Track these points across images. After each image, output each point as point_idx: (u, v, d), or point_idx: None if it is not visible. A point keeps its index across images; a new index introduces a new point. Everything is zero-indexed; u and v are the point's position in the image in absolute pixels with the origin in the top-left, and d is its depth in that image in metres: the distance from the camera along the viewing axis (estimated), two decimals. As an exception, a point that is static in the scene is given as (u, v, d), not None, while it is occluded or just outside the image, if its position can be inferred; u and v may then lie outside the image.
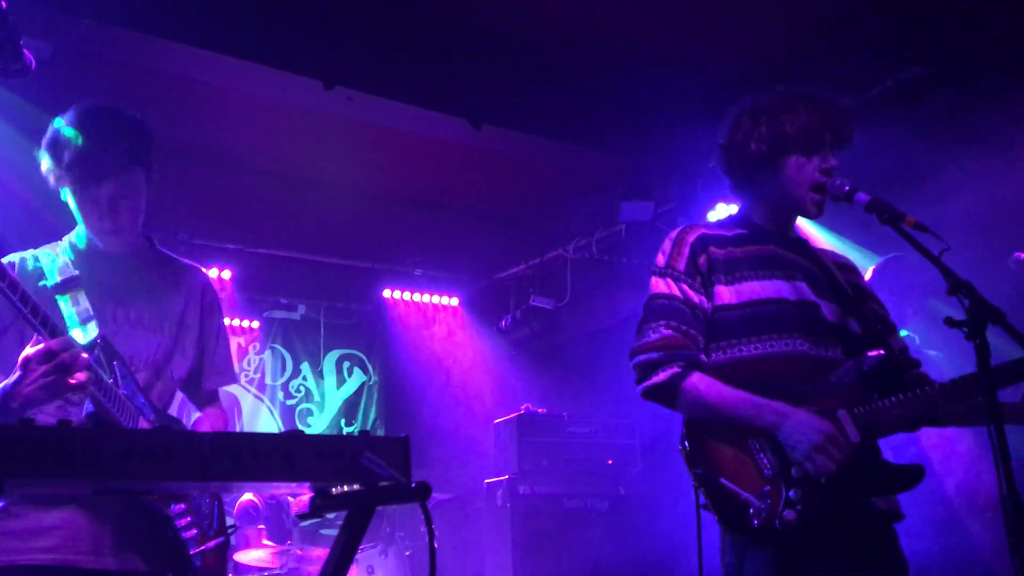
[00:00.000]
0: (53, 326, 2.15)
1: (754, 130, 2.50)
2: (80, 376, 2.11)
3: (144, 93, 5.10)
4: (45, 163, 2.45)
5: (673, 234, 2.55)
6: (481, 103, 5.32)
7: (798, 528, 2.15)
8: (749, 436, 2.29)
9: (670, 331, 2.38)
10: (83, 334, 2.38)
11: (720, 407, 2.30)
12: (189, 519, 2.45)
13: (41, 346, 2.09)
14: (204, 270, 2.88)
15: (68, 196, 2.50)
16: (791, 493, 2.19)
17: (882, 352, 2.36)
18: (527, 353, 8.26)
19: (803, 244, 2.61)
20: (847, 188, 2.38)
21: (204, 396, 2.79)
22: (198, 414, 2.82)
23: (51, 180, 2.47)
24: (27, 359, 2.10)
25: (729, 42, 4.99)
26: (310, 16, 4.75)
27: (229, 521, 2.88)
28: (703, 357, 2.40)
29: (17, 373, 2.12)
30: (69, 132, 2.40)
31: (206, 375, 2.76)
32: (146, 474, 1.27)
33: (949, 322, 2.02)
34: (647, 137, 5.75)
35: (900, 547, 2.37)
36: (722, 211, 5.94)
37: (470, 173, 6.48)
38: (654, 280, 2.49)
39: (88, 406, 2.24)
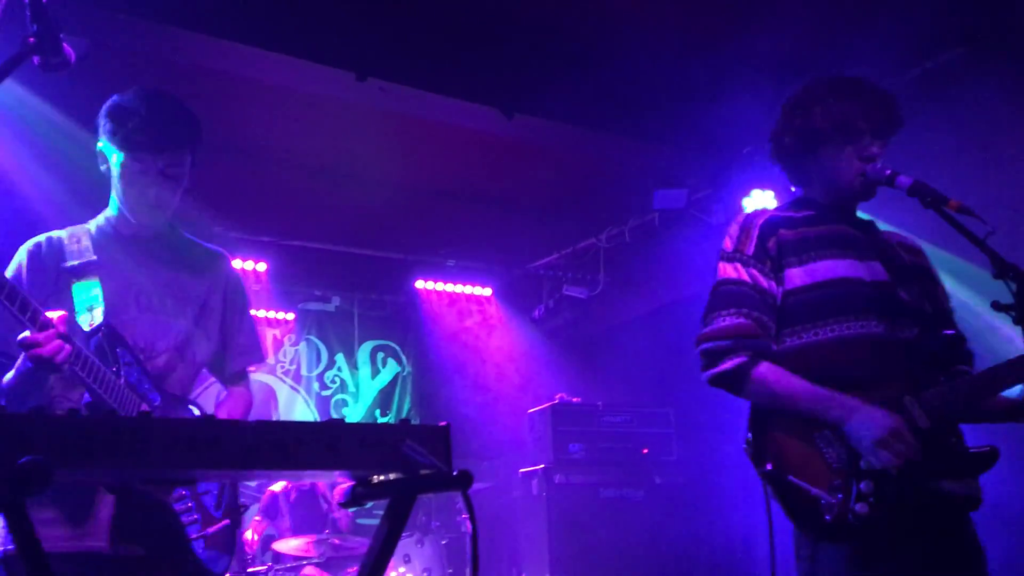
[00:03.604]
0: (33, 313, 2.20)
1: (788, 124, 2.51)
2: (59, 357, 2.19)
3: (177, 87, 5.11)
4: (105, 127, 2.51)
5: (740, 218, 2.51)
6: (513, 92, 5.30)
7: (872, 521, 2.11)
8: (815, 429, 2.24)
9: (740, 319, 2.34)
10: (89, 320, 2.43)
11: (787, 398, 2.26)
12: (191, 504, 2.47)
13: (27, 333, 2.19)
14: (227, 254, 2.92)
15: (116, 167, 2.54)
16: (862, 486, 2.14)
17: (953, 332, 2.34)
18: (560, 343, 8.24)
19: (871, 225, 2.57)
20: (888, 172, 2.34)
21: (230, 376, 2.84)
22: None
23: (107, 144, 2.53)
24: (19, 343, 2.21)
25: (763, 27, 4.92)
26: (342, 8, 4.76)
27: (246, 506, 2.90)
28: (773, 345, 2.36)
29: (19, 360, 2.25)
30: (134, 103, 2.50)
31: (230, 356, 2.80)
32: (191, 463, 1.28)
33: (996, 306, 1.98)
34: (680, 124, 5.69)
35: (976, 537, 2.32)
36: (757, 197, 5.88)
37: (502, 163, 6.47)
38: (722, 265, 2.45)
39: (86, 396, 2.31)
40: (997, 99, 4.66)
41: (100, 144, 2.56)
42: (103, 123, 2.52)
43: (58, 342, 2.17)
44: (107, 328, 2.41)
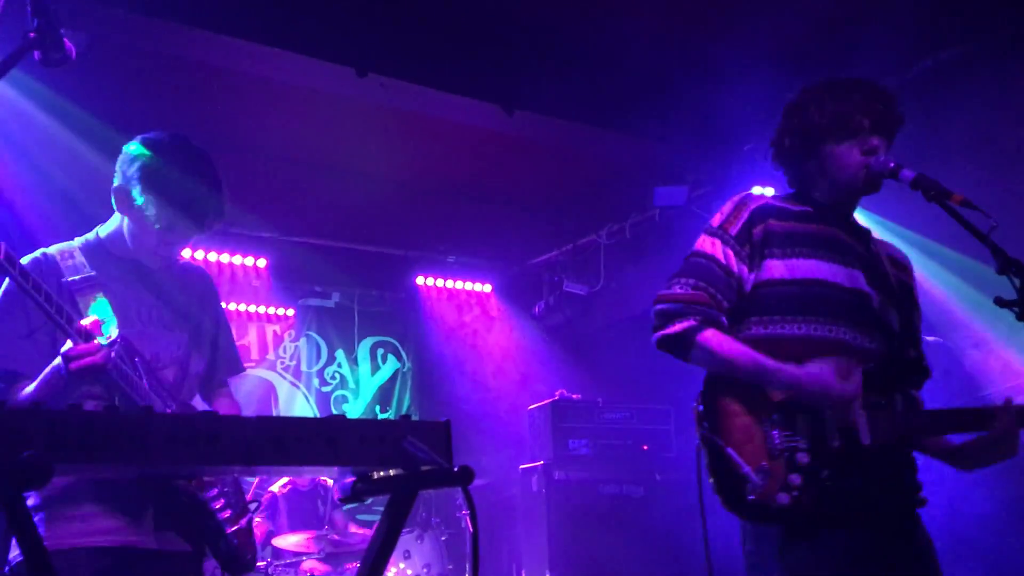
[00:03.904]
0: (83, 331, 2.24)
1: (787, 126, 2.52)
2: (113, 364, 2.25)
3: (177, 82, 5.14)
4: (139, 176, 2.47)
5: (736, 197, 2.51)
6: (514, 89, 5.29)
7: (791, 513, 2.14)
8: (768, 412, 2.27)
9: (697, 290, 2.38)
10: (104, 333, 2.43)
11: (731, 363, 2.29)
12: (223, 502, 2.55)
13: (70, 344, 2.21)
14: (204, 269, 3.04)
15: (137, 211, 2.51)
16: (791, 477, 2.17)
17: (916, 356, 2.39)
18: (561, 339, 8.23)
19: (865, 233, 2.58)
20: (891, 165, 2.34)
21: (216, 385, 2.89)
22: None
23: (136, 188, 2.48)
24: (65, 356, 2.22)
25: (764, 25, 4.91)
26: (342, 3, 4.75)
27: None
28: (723, 319, 2.39)
29: (59, 360, 2.24)
30: (180, 178, 2.49)
31: (217, 367, 2.87)
32: (192, 458, 1.28)
33: (999, 302, 1.98)
34: (681, 121, 5.68)
35: (925, 532, 2.34)
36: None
37: (503, 159, 6.46)
38: (702, 237, 2.47)
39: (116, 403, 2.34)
40: (999, 96, 4.66)
41: (124, 185, 2.51)
42: (138, 171, 2.47)
43: (105, 349, 2.22)
44: (123, 340, 2.43)
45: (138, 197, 2.48)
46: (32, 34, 1.96)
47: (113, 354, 2.24)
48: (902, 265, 2.61)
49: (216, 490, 2.53)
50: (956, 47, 4.85)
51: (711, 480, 2.26)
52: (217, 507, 2.52)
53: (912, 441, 2.37)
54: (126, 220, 2.56)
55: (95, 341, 2.23)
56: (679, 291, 2.39)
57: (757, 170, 5.87)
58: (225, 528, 2.52)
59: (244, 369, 3.05)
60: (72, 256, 2.56)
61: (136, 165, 2.48)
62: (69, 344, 2.21)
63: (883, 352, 2.35)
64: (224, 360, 2.89)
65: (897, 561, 2.24)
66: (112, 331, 2.43)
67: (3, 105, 4.80)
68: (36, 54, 1.98)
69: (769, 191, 5.82)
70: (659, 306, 2.42)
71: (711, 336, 2.32)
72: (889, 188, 2.43)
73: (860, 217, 2.62)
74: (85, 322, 2.25)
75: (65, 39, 1.99)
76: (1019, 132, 4.57)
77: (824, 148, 2.44)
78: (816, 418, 2.24)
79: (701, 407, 2.34)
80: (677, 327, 2.35)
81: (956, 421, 2.34)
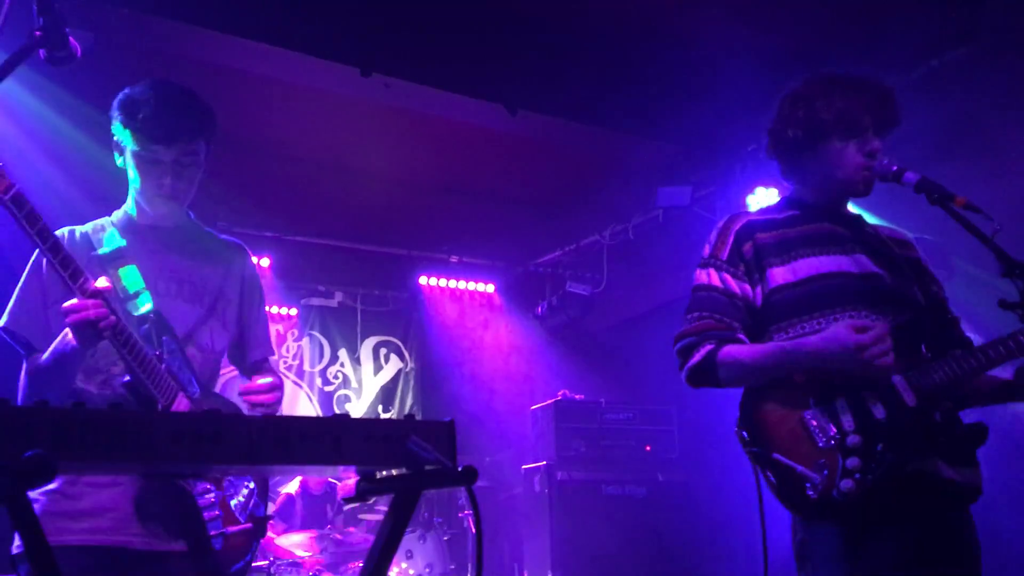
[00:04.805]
0: (83, 282, 2.20)
1: (791, 116, 2.49)
2: (104, 323, 2.19)
3: (182, 82, 5.13)
4: (117, 119, 2.51)
5: (720, 224, 2.54)
6: (517, 89, 5.29)
7: (858, 497, 2.10)
8: (803, 408, 2.25)
9: (707, 320, 2.40)
10: (137, 307, 2.44)
11: (758, 364, 2.28)
12: (214, 500, 2.47)
13: (75, 300, 2.18)
14: (246, 247, 2.94)
15: (130, 158, 2.53)
16: (848, 462, 2.13)
17: (950, 317, 2.35)
18: (563, 339, 8.23)
19: (858, 220, 2.56)
20: (895, 168, 2.34)
21: (251, 366, 2.86)
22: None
23: (121, 138, 2.52)
24: (63, 310, 2.20)
25: (768, 24, 4.91)
26: (346, 3, 4.75)
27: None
28: (741, 336, 2.38)
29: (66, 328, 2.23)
30: (146, 94, 2.49)
31: (249, 347, 2.83)
32: (195, 457, 1.28)
33: (1004, 304, 1.97)
34: (684, 121, 5.68)
35: (974, 531, 2.29)
36: (761, 194, 5.87)
37: (506, 159, 6.46)
38: (698, 271, 2.50)
39: (125, 376, 2.29)
40: (1000, 97, 4.65)
41: (115, 136, 2.55)
42: (116, 115, 2.51)
43: (104, 309, 2.18)
44: (156, 315, 2.43)
45: (119, 134, 2.51)
46: (37, 32, 1.96)
47: (113, 318, 2.19)
48: (905, 243, 2.59)
49: (211, 486, 2.46)
50: (955, 51, 4.84)
51: (774, 491, 2.22)
52: (205, 503, 2.43)
53: (962, 395, 2.29)
54: (134, 177, 2.56)
55: (97, 299, 2.18)
56: (690, 327, 2.43)
57: (759, 171, 5.86)
58: (209, 528, 2.43)
59: (273, 352, 2.95)
60: (104, 229, 2.57)
61: (114, 107, 2.52)
62: (73, 300, 2.18)
63: (911, 323, 2.32)
64: (256, 341, 2.83)
65: (948, 554, 2.20)
66: (143, 303, 2.43)
67: (9, 102, 4.82)
68: (41, 52, 1.99)
69: (773, 192, 5.82)
70: (677, 345, 2.45)
71: (730, 350, 2.33)
72: (892, 191, 2.42)
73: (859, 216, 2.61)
74: (98, 283, 2.21)
75: (70, 37, 2.00)
76: (1017, 135, 4.56)
77: (826, 145, 2.42)
78: (855, 396, 2.21)
79: (744, 432, 2.31)
80: (697, 356, 2.37)
81: (1004, 350, 2.18)
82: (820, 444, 2.19)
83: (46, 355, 2.32)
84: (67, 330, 2.23)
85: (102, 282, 2.23)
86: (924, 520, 2.19)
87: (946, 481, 2.21)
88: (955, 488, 2.23)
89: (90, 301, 2.17)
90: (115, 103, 2.52)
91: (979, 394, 2.37)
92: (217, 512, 2.47)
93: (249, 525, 2.58)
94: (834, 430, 2.20)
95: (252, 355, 2.84)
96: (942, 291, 2.53)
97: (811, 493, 2.14)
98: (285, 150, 6.22)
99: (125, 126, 2.49)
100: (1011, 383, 2.33)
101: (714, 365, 2.34)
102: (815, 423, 2.22)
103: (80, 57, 2.02)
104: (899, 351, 2.21)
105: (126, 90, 2.53)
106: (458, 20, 4.96)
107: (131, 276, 2.48)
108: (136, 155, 2.52)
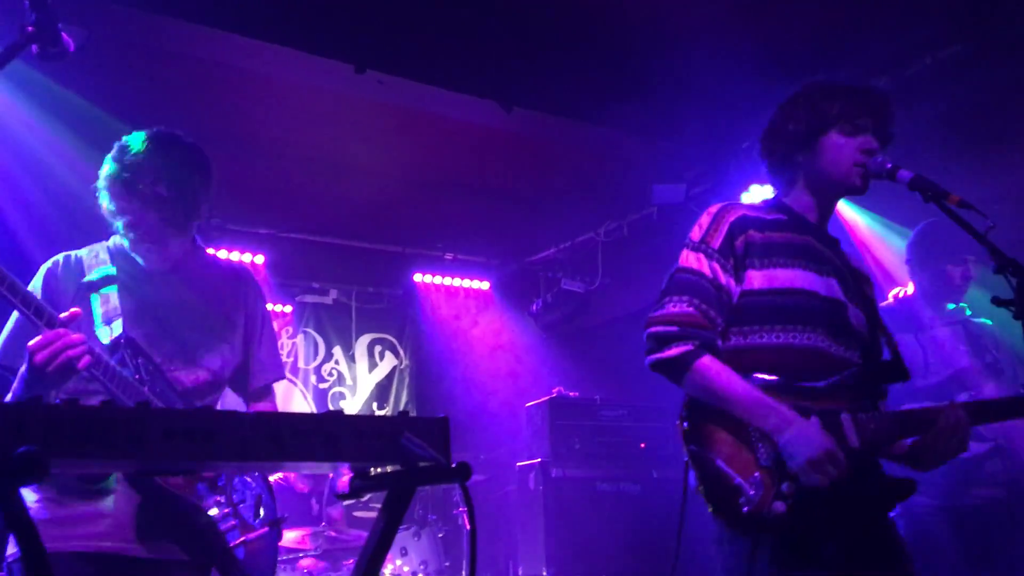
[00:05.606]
0: (48, 316, 2.17)
1: (793, 112, 2.51)
2: (83, 361, 2.16)
3: (174, 78, 5.13)
4: (108, 178, 2.50)
5: (713, 209, 2.49)
6: (511, 85, 5.28)
7: (786, 521, 2.12)
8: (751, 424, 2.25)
9: (692, 308, 2.33)
10: (108, 333, 2.41)
11: (726, 396, 2.24)
12: (228, 510, 2.47)
13: (39, 338, 2.14)
14: (251, 271, 2.93)
15: (108, 212, 2.52)
16: (784, 486, 2.15)
17: (891, 358, 2.39)
18: (558, 337, 8.24)
19: (835, 243, 2.58)
20: (889, 166, 2.35)
21: (253, 393, 2.83)
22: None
23: (104, 194, 2.50)
24: (29, 350, 2.15)
25: (762, 23, 4.91)
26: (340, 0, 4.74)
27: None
28: (720, 341, 2.36)
29: (25, 364, 2.18)
30: (138, 146, 2.48)
31: (252, 373, 2.79)
32: (188, 454, 1.27)
33: (996, 301, 1.98)
34: (679, 119, 5.68)
35: (900, 538, 2.35)
36: (756, 192, 5.87)
37: (501, 156, 6.45)
38: (685, 253, 2.44)
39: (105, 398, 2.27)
40: (996, 96, 4.66)
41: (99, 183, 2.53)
42: (104, 180, 2.51)
43: (79, 348, 2.14)
44: (127, 340, 2.40)
45: (106, 204, 2.50)
46: (30, 28, 1.96)
47: (88, 358, 2.15)
48: (866, 279, 2.62)
49: (222, 498, 2.46)
50: (951, 49, 4.84)
51: (703, 493, 2.23)
52: (219, 516, 2.44)
53: (884, 445, 2.35)
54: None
55: (67, 333, 2.15)
56: (673, 310, 2.34)
57: (754, 169, 5.86)
58: (229, 539, 2.44)
59: (283, 375, 2.92)
60: (98, 255, 2.56)
61: (103, 173, 2.49)
62: (38, 338, 2.14)
63: (858, 359, 2.36)
64: (259, 365, 2.79)
65: (883, 564, 2.27)
66: (115, 329, 2.40)
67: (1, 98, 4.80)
68: (34, 48, 1.98)
69: (768, 190, 5.83)
70: (653, 328, 2.37)
71: (709, 364, 2.27)
72: (886, 188, 2.43)
73: (859, 216, 2.63)
74: (62, 316, 2.18)
75: (63, 33, 1.99)
76: (1012, 134, 4.57)
77: (825, 139, 2.44)
78: None
79: (687, 424, 2.30)
80: (674, 351, 2.30)
81: (918, 420, 2.31)
82: (762, 462, 2.19)
83: (15, 384, 2.26)
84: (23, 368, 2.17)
85: (65, 314, 2.19)
86: (849, 531, 2.24)
87: (870, 497, 2.29)
88: (876, 500, 2.31)
89: (52, 333, 2.13)
90: (104, 179, 2.52)
91: (889, 452, 2.42)
92: (233, 522, 2.48)
93: (265, 529, 2.59)
94: (776, 451, 2.20)
95: (255, 381, 2.81)
96: (887, 332, 2.55)
97: (745, 508, 2.14)
98: (279, 147, 6.20)
99: (111, 203, 2.50)
100: (908, 452, 2.40)
101: (687, 369, 2.28)
102: (760, 439, 2.22)
103: (72, 53, 2.01)
104: (852, 388, 2.26)
105: (116, 164, 2.51)
106: (452, 17, 4.95)
107: (106, 301, 2.45)
108: (117, 223, 2.52)
